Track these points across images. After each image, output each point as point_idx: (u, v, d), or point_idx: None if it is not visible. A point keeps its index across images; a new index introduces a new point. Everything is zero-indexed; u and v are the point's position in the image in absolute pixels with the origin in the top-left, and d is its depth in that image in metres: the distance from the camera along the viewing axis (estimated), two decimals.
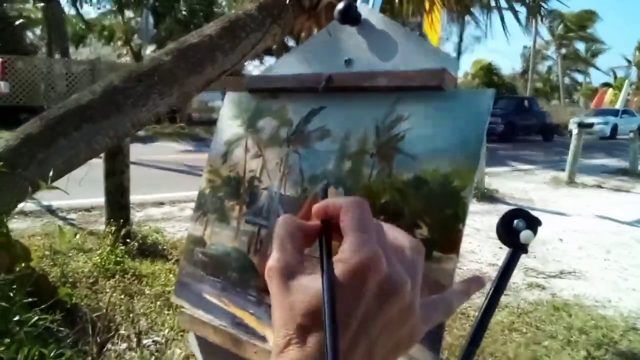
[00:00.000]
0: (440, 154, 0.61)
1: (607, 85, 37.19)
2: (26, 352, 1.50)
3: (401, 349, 0.37)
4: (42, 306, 1.70)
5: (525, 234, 0.74)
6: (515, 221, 0.75)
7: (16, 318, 1.56)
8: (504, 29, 3.94)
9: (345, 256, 0.35)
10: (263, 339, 0.78)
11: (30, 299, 1.72)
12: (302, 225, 0.38)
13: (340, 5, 0.77)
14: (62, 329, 1.88)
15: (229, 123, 0.88)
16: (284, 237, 0.37)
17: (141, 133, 11.68)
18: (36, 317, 1.61)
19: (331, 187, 0.71)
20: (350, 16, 0.77)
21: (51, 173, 2.06)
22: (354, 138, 0.71)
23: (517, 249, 0.78)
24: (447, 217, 0.58)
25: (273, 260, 0.36)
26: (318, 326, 0.34)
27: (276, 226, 0.39)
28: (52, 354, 1.55)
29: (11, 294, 1.65)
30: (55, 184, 2.15)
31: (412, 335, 0.37)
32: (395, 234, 0.39)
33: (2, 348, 1.44)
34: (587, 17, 34.61)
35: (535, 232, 0.77)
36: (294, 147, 0.77)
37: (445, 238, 0.57)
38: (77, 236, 3.46)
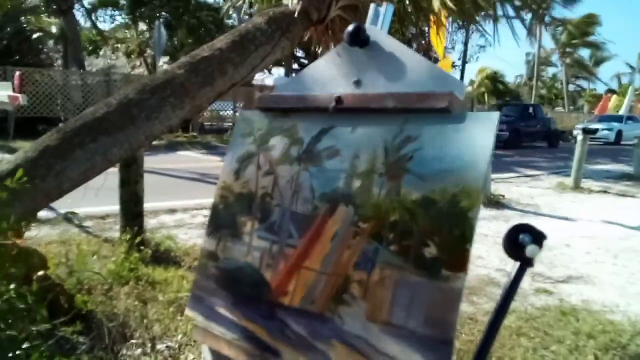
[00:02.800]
0: (447, 175, 0.64)
1: (611, 91, 37.07)
2: None
3: None
4: (60, 317, 1.74)
5: (530, 249, 0.76)
6: (521, 236, 0.77)
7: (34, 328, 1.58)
8: (514, 37, 3.96)
9: None
10: (275, 353, 0.81)
11: (46, 304, 1.75)
12: None
13: (349, 28, 0.79)
14: (80, 338, 1.91)
15: (242, 140, 0.90)
16: None
17: (155, 142, 11.77)
18: (52, 326, 1.64)
19: (341, 205, 0.74)
20: (359, 38, 0.80)
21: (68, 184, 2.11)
22: (363, 158, 0.73)
23: (523, 263, 0.80)
24: (455, 236, 0.60)
25: None
26: None
27: None
28: None
29: (29, 301, 1.69)
30: (72, 192, 2.19)
31: None
32: None
33: None
34: (589, 22, 34.53)
35: (540, 246, 0.79)
36: (304, 166, 0.79)
37: (454, 257, 0.59)
38: (94, 256, 3.50)
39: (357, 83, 0.77)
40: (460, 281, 0.59)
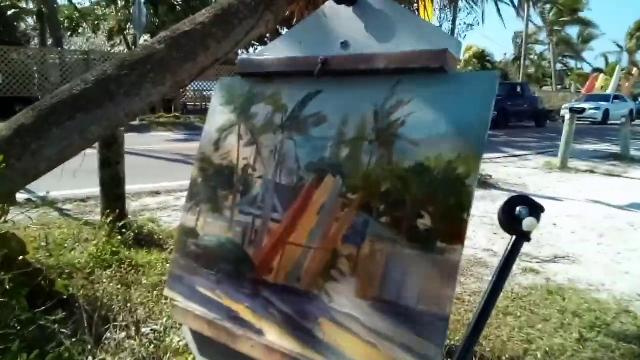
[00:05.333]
0: (443, 140, 0.58)
1: (598, 70, 37.40)
2: (26, 357, 1.48)
3: None
4: (41, 302, 1.69)
5: (528, 221, 0.71)
6: (518, 208, 0.73)
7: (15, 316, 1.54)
8: (499, 15, 3.91)
9: None
10: (259, 332, 0.76)
11: (27, 291, 1.70)
12: None
13: None
14: (62, 323, 1.86)
15: (221, 109, 0.84)
16: None
17: (136, 123, 11.64)
18: (33, 314, 1.60)
19: (328, 176, 0.68)
20: None
21: (45, 164, 2.03)
22: (351, 124, 0.67)
23: (520, 236, 0.75)
24: (451, 206, 0.55)
25: None
26: None
27: None
28: (50, 355, 1.54)
29: (7, 288, 1.63)
30: (49, 174, 2.12)
31: None
32: None
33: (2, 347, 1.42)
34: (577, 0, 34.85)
35: (538, 219, 0.74)
36: (289, 134, 0.74)
37: (450, 228, 0.55)
38: (69, 230, 3.43)
39: (345, 44, 0.71)
40: (457, 253, 0.55)
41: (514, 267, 3.15)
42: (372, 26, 0.70)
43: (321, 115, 0.71)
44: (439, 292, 0.54)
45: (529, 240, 0.79)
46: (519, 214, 0.73)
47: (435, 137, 0.60)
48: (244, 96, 0.83)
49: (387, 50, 0.68)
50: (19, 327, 1.55)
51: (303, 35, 0.78)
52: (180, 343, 2.10)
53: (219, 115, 0.85)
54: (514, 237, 0.77)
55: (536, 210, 0.75)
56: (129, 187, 3.90)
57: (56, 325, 1.75)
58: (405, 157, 0.62)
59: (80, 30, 21.40)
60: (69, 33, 20.71)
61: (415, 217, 0.59)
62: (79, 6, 19.89)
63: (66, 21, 20.22)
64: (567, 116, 8.46)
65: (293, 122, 0.73)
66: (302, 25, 0.79)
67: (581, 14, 36.80)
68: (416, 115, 0.63)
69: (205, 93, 17.42)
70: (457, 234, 0.56)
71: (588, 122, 21.22)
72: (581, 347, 2.45)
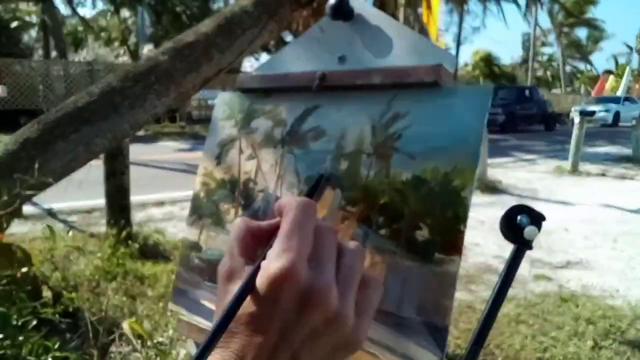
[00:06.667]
0: (438, 153, 0.59)
1: (608, 72, 37.05)
2: (30, 346, 1.50)
3: (340, 355, 0.36)
4: (42, 300, 1.71)
5: (529, 230, 0.71)
6: (519, 217, 0.73)
7: (17, 316, 1.56)
8: (503, 17, 3.91)
9: (265, 263, 0.34)
10: None
11: (30, 298, 1.73)
12: (253, 228, 0.38)
13: (332, 0, 0.75)
14: (64, 320, 1.89)
15: (222, 124, 0.86)
16: (233, 241, 0.38)
17: (141, 133, 11.74)
18: (34, 306, 1.62)
19: (328, 189, 0.69)
20: (343, 11, 0.75)
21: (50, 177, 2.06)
22: (350, 137, 0.68)
23: (521, 245, 0.76)
24: (448, 218, 0.56)
25: (220, 264, 0.38)
26: (241, 331, 0.34)
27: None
28: (55, 346, 1.56)
29: (12, 295, 1.66)
30: (54, 186, 2.15)
31: (349, 341, 0.36)
32: (331, 239, 0.38)
33: (7, 342, 1.44)
34: (585, 1, 34.72)
35: (539, 227, 0.75)
36: (289, 148, 0.75)
37: (447, 239, 0.55)
38: (68, 234, 3.46)
39: (342, 59, 0.72)
40: (454, 264, 0.55)
41: (526, 274, 3.14)
42: (369, 41, 0.71)
43: (320, 129, 0.72)
44: (438, 302, 0.55)
45: (530, 248, 0.79)
46: (520, 222, 0.73)
47: (430, 149, 0.60)
48: (244, 111, 0.84)
49: (384, 65, 0.69)
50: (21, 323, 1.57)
51: (301, 50, 0.79)
52: (187, 355, 2.10)
53: (219, 130, 0.86)
54: (516, 246, 0.77)
55: (537, 219, 0.75)
56: (134, 198, 3.94)
57: (57, 316, 1.77)
58: (403, 170, 0.62)
59: (83, 43, 21.71)
60: (74, 47, 20.99)
61: (413, 228, 0.60)
62: (82, 16, 20.11)
63: (71, 38, 20.50)
64: (577, 119, 8.39)
65: (292, 136, 0.74)
66: (299, 40, 0.80)
67: (590, 16, 36.63)
68: (412, 129, 0.63)
69: (210, 102, 17.43)
70: (454, 245, 0.56)
71: (598, 125, 21.02)
72: (596, 355, 2.42)
